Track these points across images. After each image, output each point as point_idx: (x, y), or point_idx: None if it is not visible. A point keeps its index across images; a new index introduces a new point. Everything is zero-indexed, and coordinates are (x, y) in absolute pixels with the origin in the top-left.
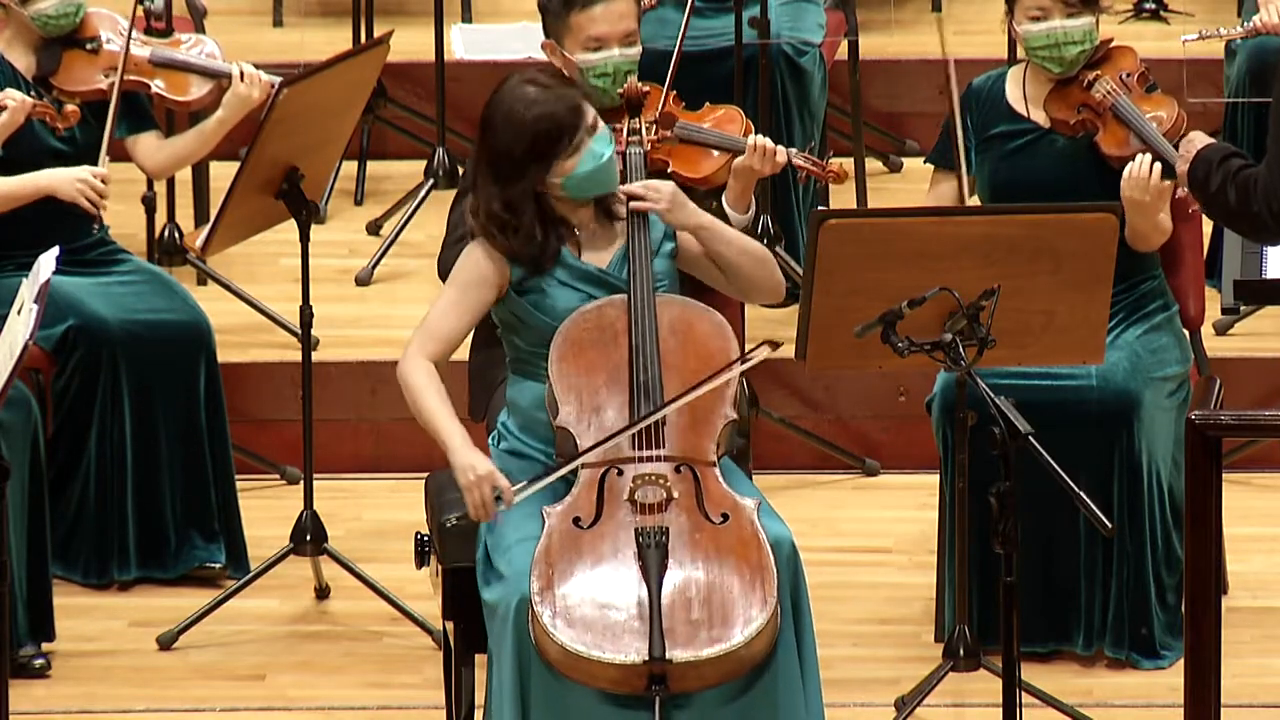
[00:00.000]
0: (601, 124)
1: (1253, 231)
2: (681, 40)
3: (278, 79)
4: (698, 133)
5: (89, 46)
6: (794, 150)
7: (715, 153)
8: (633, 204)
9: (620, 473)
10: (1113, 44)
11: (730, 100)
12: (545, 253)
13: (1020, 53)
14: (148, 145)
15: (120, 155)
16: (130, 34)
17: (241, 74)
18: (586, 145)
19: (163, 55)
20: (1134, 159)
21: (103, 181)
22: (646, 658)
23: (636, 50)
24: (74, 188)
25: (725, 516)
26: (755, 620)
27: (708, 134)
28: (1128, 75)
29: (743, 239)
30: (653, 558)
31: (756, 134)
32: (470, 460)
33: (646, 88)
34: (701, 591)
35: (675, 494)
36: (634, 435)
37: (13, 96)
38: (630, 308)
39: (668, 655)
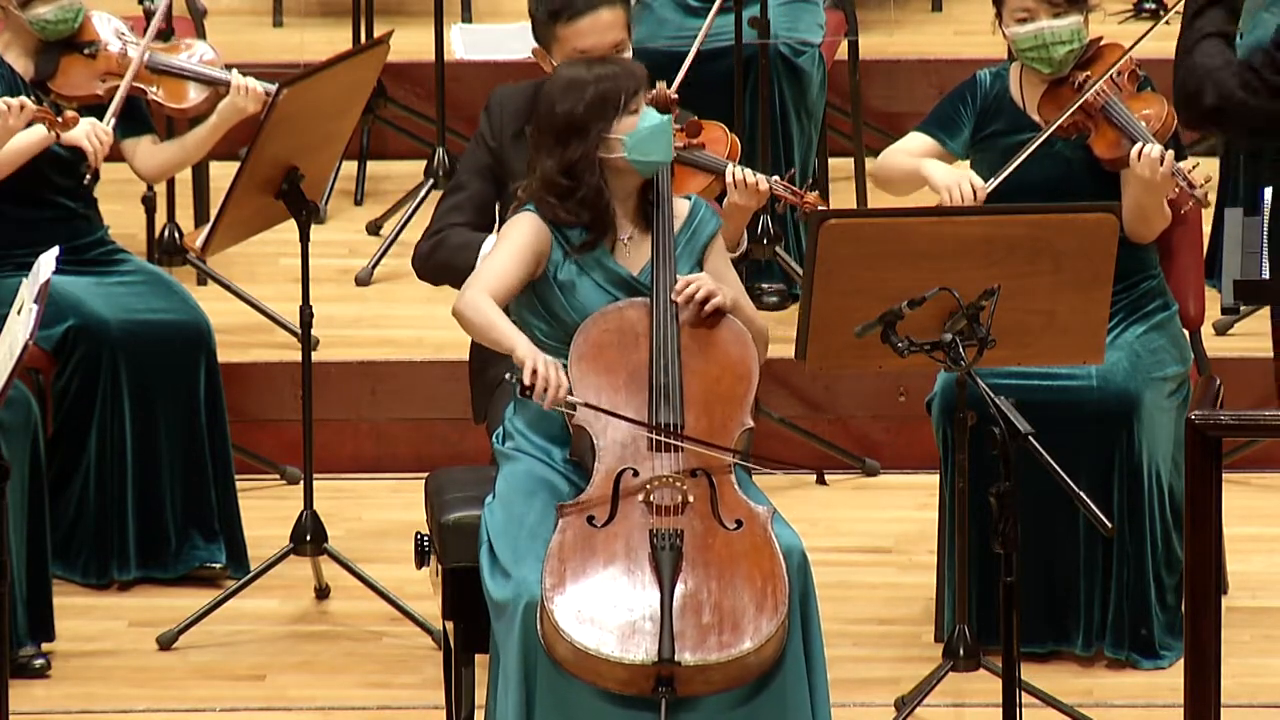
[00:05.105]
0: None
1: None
2: (698, 46)
3: (274, 86)
4: (690, 154)
5: (87, 51)
6: (775, 179)
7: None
8: (704, 305)
9: (636, 474)
10: (1102, 42)
11: (730, 101)
12: (608, 216)
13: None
14: (143, 149)
15: (118, 157)
16: (144, 52)
17: (243, 88)
18: (645, 108)
19: (160, 62)
20: (1132, 155)
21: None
22: (656, 659)
23: (626, 58)
24: (82, 131)
25: (739, 523)
26: (765, 628)
27: (697, 156)
28: (1119, 74)
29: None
30: (667, 560)
31: (739, 164)
32: (542, 354)
33: (675, 95)
34: (713, 596)
35: (691, 498)
36: (651, 438)
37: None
38: (652, 310)
39: (677, 658)
